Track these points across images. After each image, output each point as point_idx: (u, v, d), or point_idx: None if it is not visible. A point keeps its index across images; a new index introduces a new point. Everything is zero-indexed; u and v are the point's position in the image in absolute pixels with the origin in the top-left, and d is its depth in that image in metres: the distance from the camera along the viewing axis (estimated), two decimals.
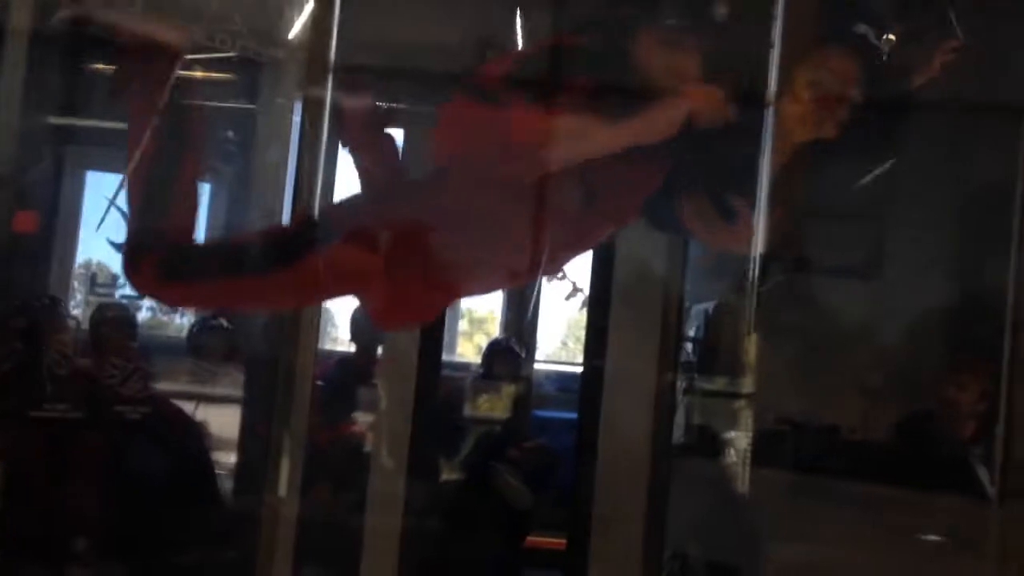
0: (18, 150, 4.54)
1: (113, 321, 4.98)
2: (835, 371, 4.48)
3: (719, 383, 4.81)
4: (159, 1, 4.18)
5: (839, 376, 4.60)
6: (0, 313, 4.52)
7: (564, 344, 6.44)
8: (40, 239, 4.85)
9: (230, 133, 5.14)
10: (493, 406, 5.50)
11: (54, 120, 4.78)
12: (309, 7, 4.34)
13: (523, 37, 4.35)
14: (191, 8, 4.35)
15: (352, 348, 5.65)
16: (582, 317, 5.21)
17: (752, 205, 3.10)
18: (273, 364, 4.63)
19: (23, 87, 4.39)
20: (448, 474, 5.65)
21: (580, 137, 2.69)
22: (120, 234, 5.43)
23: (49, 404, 4.45)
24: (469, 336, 6.74)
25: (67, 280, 5.39)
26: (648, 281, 4.59)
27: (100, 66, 4.35)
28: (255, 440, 4.85)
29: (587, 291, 5.25)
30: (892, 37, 2.85)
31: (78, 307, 5.19)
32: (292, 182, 5.05)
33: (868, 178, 3.95)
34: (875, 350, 4.63)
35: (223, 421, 5.02)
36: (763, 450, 4.32)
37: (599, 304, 4.87)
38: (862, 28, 2.84)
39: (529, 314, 5.39)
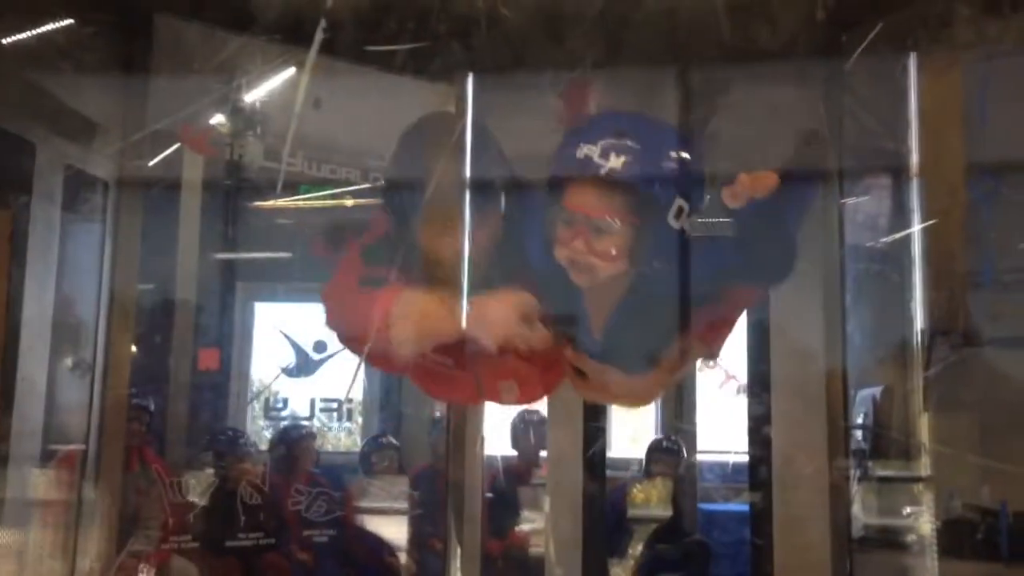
0: (198, 290, 4.93)
1: (293, 447, 5.25)
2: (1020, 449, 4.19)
3: (894, 467, 4.56)
4: (310, 139, 4.51)
5: None
6: (191, 448, 4.85)
7: (727, 433, 6.29)
8: (219, 372, 5.18)
9: (380, 252, 5.38)
10: (657, 503, 5.41)
11: (225, 258, 5.15)
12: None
13: None
14: (343, 147, 4.69)
15: (513, 454, 5.71)
16: (742, 405, 5.08)
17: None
18: (442, 477, 4.73)
19: (199, 232, 4.79)
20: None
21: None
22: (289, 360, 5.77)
23: (243, 533, 4.70)
24: (623, 423, 6.64)
25: (244, 408, 5.71)
26: (808, 366, 4.46)
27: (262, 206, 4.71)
28: (429, 553, 4.94)
29: (744, 379, 5.16)
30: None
31: (256, 434, 5.49)
32: None
33: None
34: None
35: (396, 535, 5.15)
36: (950, 540, 4.04)
37: (758, 392, 4.76)
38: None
39: (685, 404, 5.30)
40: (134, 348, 4.63)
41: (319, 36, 3.48)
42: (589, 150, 2.67)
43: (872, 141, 4.07)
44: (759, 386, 4.80)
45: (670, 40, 4.07)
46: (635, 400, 3.25)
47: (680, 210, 2.73)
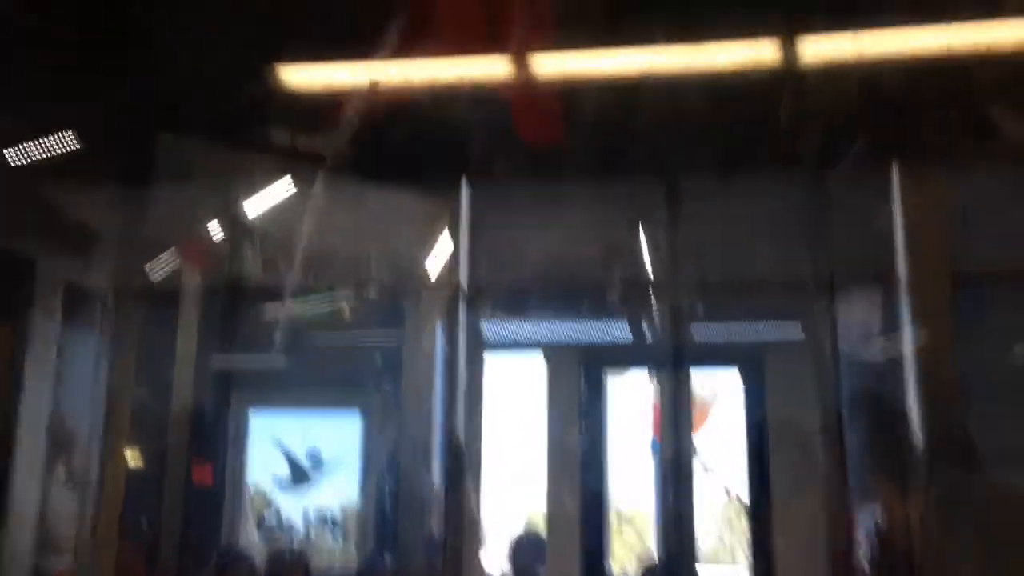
0: (193, 400, 4.91)
1: (288, 565, 5.14)
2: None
3: None
4: (308, 250, 4.57)
5: None
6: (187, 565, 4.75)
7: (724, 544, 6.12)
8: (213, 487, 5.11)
9: (378, 361, 5.38)
10: None
11: (220, 366, 5.14)
12: (443, 239, 4.65)
13: (647, 248, 4.49)
14: (339, 258, 4.74)
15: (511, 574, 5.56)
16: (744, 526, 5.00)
17: None
18: None
19: (196, 343, 4.80)
20: None
21: None
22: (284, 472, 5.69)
23: None
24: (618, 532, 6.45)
25: (237, 520, 5.60)
26: (807, 482, 4.39)
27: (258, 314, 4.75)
28: None
29: (745, 497, 5.08)
30: None
31: (251, 548, 5.37)
32: (441, 405, 5.24)
33: None
34: None
35: None
36: None
37: (759, 510, 4.71)
38: None
39: (683, 517, 5.19)
40: (129, 461, 4.59)
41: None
42: None
43: (860, 252, 4.10)
44: (759, 504, 4.72)
45: (660, 151, 4.15)
46: None
47: None
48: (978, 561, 3.86)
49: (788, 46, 3.50)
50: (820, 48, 3.57)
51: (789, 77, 3.59)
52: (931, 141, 3.77)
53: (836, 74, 3.55)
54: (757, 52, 3.58)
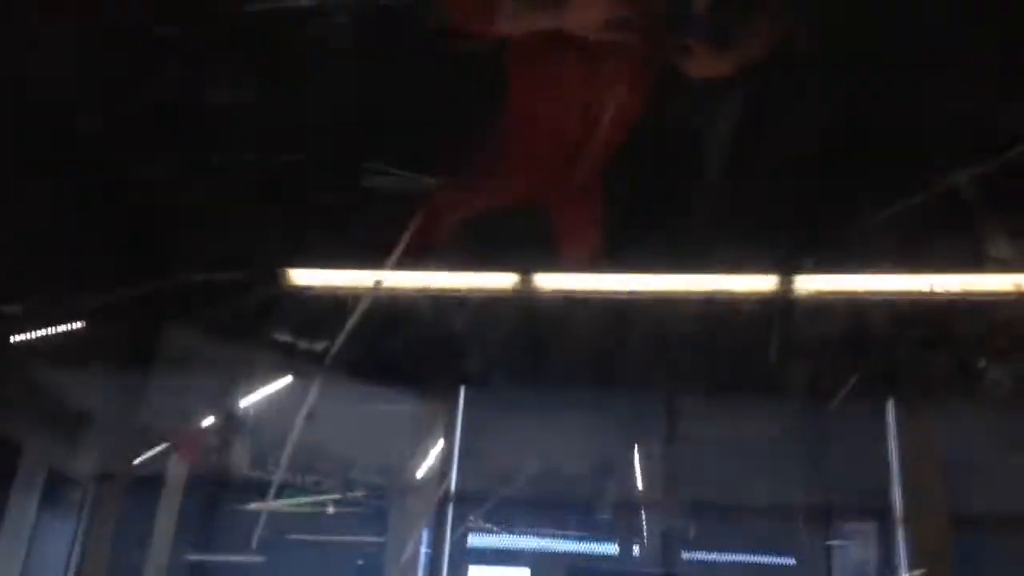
0: None
1: None
2: None
3: None
4: (298, 448, 4.52)
5: None
6: None
7: None
8: None
9: (360, 563, 5.23)
10: None
11: (196, 560, 4.98)
12: (435, 444, 4.62)
13: (640, 466, 4.48)
14: (330, 458, 4.70)
15: None
16: None
17: None
18: None
19: (174, 531, 4.67)
20: None
21: None
22: None
23: None
24: None
25: None
26: None
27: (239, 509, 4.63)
28: None
29: None
30: None
31: None
32: None
33: None
34: None
35: None
36: None
37: None
38: None
39: None
40: None
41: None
42: None
43: (856, 483, 4.09)
44: None
45: (658, 368, 4.19)
46: (724, 68, 3.26)
47: None
48: None
49: (786, 282, 3.60)
50: (815, 285, 3.66)
51: (784, 311, 3.68)
52: (924, 380, 3.83)
53: (829, 310, 3.64)
54: (756, 284, 3.68)
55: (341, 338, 3.94)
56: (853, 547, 4.24)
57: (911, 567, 3.88)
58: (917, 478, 3.91)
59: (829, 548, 4.10)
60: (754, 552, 4.69)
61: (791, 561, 4.50)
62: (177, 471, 4.63)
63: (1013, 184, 3.03)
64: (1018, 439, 3.56)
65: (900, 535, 3.90)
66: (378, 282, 3.80)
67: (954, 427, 3.86)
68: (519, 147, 3.39)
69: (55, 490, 4.36)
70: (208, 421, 4.55)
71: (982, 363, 3.61)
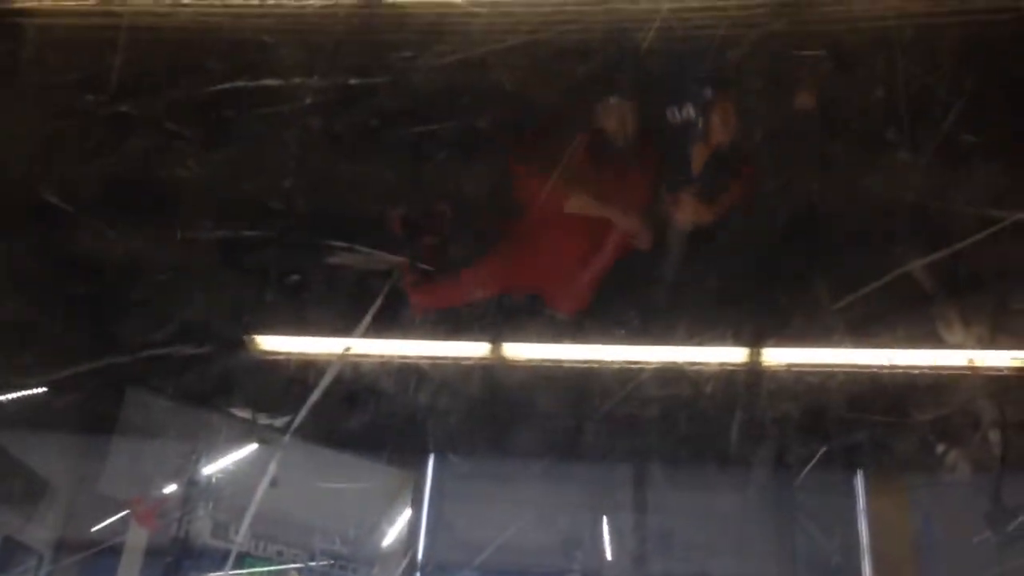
0: None
1: None
2: None
3: None
4: (260, 515, 4.44)
5: None
6: None
7: None
8: None
9: None
10: None
11: None
12: (403, 516, 4.56)
13: (608, 538, 4.43)
14: (294, 525, 4.62)
15: None
16: None
17: None
18: None
19: None
20: None
21: None
22: None
23: None
24: None
25: None
26: None
27: None
28: None
29: None
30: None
31: None
32: None
33: None
34: None
35: None
36: None
37: None
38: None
39: None
40: None
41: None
42: None
43: (824, 556, 4.06)
44: None
45: (625, 440, 4.17)
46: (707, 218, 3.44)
47: None
48: None
49: (752, 355, 3.62)
50: (779, 358, 3.69)
51: (750, 383, 3.69)
52: (889, 457, 3.84)
53: (793, 384, 3.66)
54: (722, 357, 3.70)
55: (304, 409, 3.91)
56: None
57: None
58: (886, 553, 3.89)
59: None
60: None
61: None
62: (136, 540, 4.52)
63: (964, 272, 3.10)
64: (983, 516, 3.56)
65: None
66: (345, 350, 3.79)
67: (922, 503, 3.87)
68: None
69: (10, 558, 4.26)
70: (168, 489, 4.47)
71: (939, 445, 3.64)
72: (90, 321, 3.81)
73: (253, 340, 3.83)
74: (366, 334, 3.67)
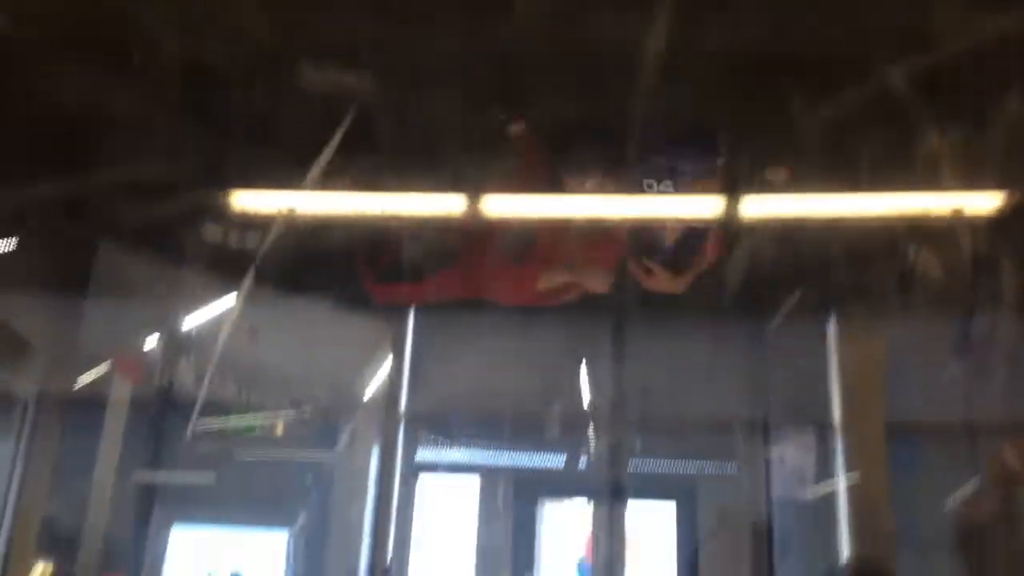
0: (112, 512, 4.71)
1: None
2: None
3: None
4: (242, 365, 4.49)
5: None
6: None
7: None
8: None
9: (310, 480, 5.26)
10: None
11: (143, 481, 4.96)
12: (385, 364, 4.62)
13: (588, 383, 4.53)
14: (276, 375, 4.67)
15: None
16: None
17: None
18: None
19: (120, 454, 4.63)
20: None
21: None
22: None
23: None
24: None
25: None
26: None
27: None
28: None
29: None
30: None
31: None
32: (371, 527, 5.12)
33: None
34: None
35: None
36: None
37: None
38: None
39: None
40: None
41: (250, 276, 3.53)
42: None
43: (797, 398, 4.19)
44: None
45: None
46: (677, 287, 3.53)
47: None
48: None
49: (731, 201, 3.61)
50: (755, 204, 3.69)
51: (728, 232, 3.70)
52: (864, 293, 3.91)
53: (770, 229, 3.67)
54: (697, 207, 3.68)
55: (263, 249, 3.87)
56: (792, 455, 4.37)
57: (847, 472, 4.02)
58: (855, 388, 4.02)
59: (769, 456, 4.22)
60: (697, 460, 4.84)
61: (733, 469, 4.63)
62: (120, 392, 4.56)
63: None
64: (950, 348, 3.67)
65: (838, 442, 4.02)
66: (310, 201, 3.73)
67: (893, 338, 3.97)
68: None
69: None
70: (149, 342, 4.48)
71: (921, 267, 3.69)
72: (56, 172, 3.72)
73: (228, 191, 3.76)
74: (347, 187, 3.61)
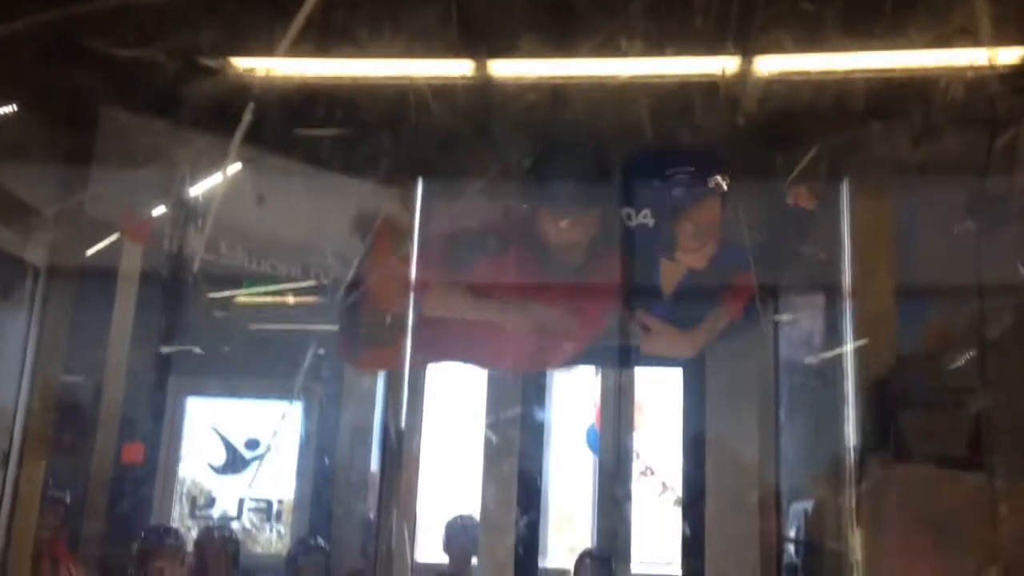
0: (127, 383, 4.79)
1: (216, 545, 5.09)
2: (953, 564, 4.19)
3: None
4: (252, 233, 4.48)
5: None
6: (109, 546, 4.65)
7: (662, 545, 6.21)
8: (144, 466, 5.00)
9: (322, 351, 5.31)
10: None
11: (159, 351, 5.02)
12: None
13: None
14: (287, 245, 4.67)
15: (446, 560, 5.57)
16: (678, 520, 5.07)
17: None
18: None
19: (133, 324, 4.68)
20: None
21: None
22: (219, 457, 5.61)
23: None
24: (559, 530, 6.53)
25: (169, 504, 5.52)
26: (742, 480, 4.49)
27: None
28: None
29: (679, 491, 5.16)
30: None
31: (181, 530, 5.28)
32: (382, 392, 5.22)
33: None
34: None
35: None
36: None
37: (693, 505, 4.79)
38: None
39: (621, 517, 5.27)
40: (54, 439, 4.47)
41: (246, 119, 3.47)
42: None
43: (806, 260, 4.18)
44: (694, 498, 4.81)
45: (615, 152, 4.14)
46: (686, 351, 3.53)
47: None
48: (904, 549, 3.98)
49: (744, 59, 3.52)
50: (769, 61, 3.59)
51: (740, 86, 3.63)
52: (879, 154, 3.86)
53: (783, 90, 3.60)
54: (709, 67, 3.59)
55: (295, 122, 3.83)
56: (801, 319, 4.40)
57: (856, 337, 4.04)
58: (866, 252, 4.01)
59: (778, 320, 4.24)
60: None
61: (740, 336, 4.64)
62: (132, 262, 4.58)
63: None
64: (965, 206, 3.64)
65: (847, 307, 4.03)
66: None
67: (905, 200, 3.94)
68: None
69: (5, 276, 4.31)
70: (156, 209, 4.47)
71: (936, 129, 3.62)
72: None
73: (233, 58, 3.69)
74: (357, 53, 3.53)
